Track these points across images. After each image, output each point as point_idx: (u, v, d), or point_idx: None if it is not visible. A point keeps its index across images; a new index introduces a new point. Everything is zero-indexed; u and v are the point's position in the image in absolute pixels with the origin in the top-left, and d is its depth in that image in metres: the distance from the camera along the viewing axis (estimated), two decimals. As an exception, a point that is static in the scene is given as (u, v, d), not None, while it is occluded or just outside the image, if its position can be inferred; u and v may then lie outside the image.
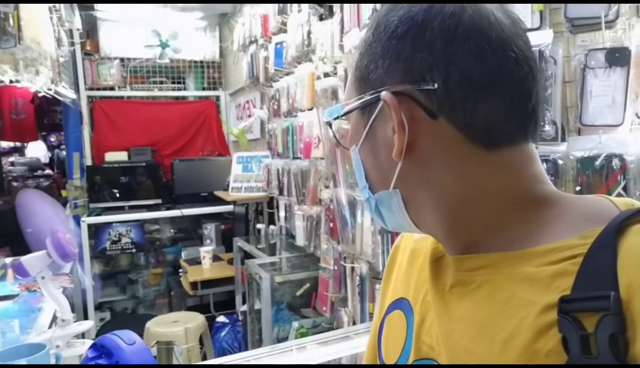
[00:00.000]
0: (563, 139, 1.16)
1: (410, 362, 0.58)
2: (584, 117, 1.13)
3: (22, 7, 1.73)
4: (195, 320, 2.73)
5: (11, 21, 1.65)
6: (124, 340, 0.85)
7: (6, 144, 5.83)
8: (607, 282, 0.41)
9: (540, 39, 1.13)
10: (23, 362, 0.95)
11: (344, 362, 1.39)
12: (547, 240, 0.48)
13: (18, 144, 5.98)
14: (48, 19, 2.27)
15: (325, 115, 0.58)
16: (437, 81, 0.47)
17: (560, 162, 1.14)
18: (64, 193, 4.10)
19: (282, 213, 2.93)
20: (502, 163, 0.50)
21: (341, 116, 0.56)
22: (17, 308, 1.64)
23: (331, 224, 2.05)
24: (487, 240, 0.51)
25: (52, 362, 1.05)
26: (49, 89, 2.71)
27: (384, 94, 0.49)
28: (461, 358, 0.50)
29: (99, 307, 3.87)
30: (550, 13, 1.18)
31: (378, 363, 0.67)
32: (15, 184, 5.23)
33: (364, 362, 0.74)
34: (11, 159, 5.95)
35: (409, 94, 0.49)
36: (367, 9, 1.76)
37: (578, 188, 1.12)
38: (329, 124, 0.59)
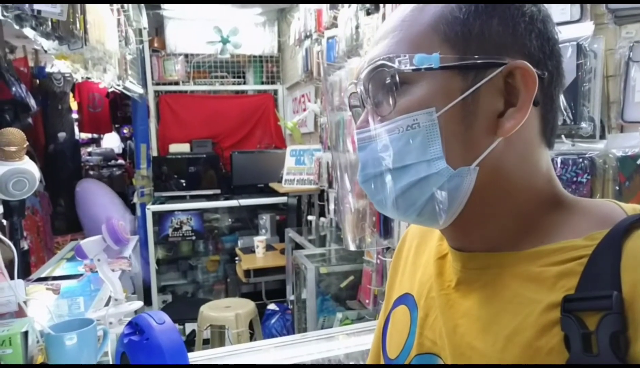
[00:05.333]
0: (602, 137, 1.10)
1: (412, 356, 0.59)
2: (626, 113, 1.07)
3: (88, 11, 1.87)
4: (246, 306, 2.83)
5: (78, 25, 1.80)
6: (155, 319, 0.93)
7: (85, 136, 6.26)
8: (610, 282, 0.42)
9: (579, 31, 1.08)
10: (73, 334, 1.06)
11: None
12: (554, 240, 0.48)
13: (95, 135, 6.41)
14: (112, 21, 2.44)
15: (414, 61, 0.48)
16: (548, 70, 0.50)
17: (598, 160, 1.09)
18: (134, 181, 4.35)
19: (332, 206, 2.96)
20: (547, 163, 0.52)
21: (437, 68, 0.48)
22: (81, 287, 1.80)
23: (374, 218, 2.07)
24: (508, 239, 0.51)
25: (100, 336, 1.16)
26: (117, 85, 2.92)
27: (521, 63, 0.47)
28: (465, 354, 0.51)
29: (162, 290, 4.11)
30: (591, 4, 1.12)
31: (382, 357, 0.67)
32: (91, 173, 5.61)
33: (369, 357, 0.75)
34: (89, 149, 6.39)
35: None
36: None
37: (617, 188, 1.07)
38: (394, 77, 0.49)
